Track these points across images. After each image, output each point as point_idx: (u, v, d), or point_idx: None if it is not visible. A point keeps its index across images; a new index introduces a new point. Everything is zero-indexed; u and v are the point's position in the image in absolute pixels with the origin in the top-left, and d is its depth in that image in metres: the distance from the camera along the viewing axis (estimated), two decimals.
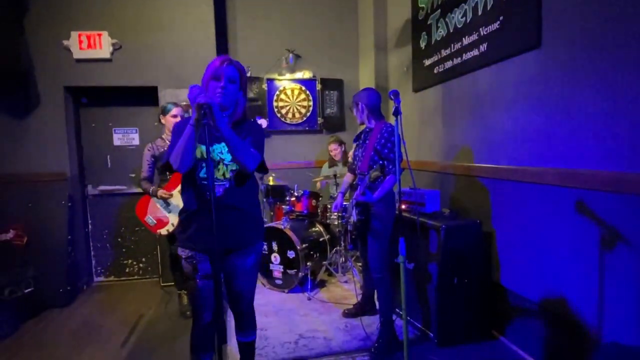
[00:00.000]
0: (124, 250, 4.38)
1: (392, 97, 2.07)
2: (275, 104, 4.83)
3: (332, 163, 4.42)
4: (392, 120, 2.48)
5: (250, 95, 4.74)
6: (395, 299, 2.84)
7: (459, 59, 3.08)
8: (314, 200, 3.99)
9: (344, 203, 3.06)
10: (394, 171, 2.55)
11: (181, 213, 1.92)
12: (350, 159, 3.07)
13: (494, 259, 2.78)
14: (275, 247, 3.73)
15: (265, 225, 3.81)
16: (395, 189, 2.43)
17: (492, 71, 2.73)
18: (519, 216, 2.53)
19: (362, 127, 2.89)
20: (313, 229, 3.96)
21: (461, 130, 3.16)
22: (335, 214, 3.86)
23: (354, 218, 2.75)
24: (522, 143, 2.48)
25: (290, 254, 3.62)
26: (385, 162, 2.58)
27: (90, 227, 4.31)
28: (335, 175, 3.92)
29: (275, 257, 3.74)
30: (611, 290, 1.93)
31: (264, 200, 4.31)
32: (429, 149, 3.67)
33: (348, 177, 3.04)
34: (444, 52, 3.29)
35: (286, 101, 4.86)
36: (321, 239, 3.90)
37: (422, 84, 3.76)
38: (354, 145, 2.95)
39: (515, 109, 2.52)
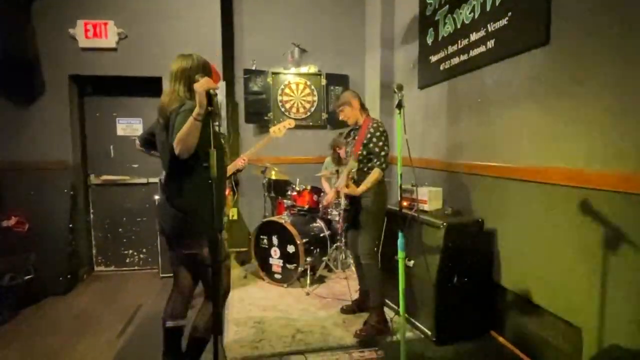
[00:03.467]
0: (124, 240, 4.38)
1: (395, 90, 2.05)
2: (279, 98, 4.80)
3: (339, 162, 4.31)
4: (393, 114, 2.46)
5: (255, 88, 4.72)
6: (389, 289, 2.89)
7: (466, 55, 3.03)
8: (315, 196, 3.97)
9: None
10: (379, 164, 2.67)
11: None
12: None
13: (495, 258, 2.75)
14: (275, 241, 3.71)
15: (265, 220, 3.85)
16: (393, 184, 2.40)
17: (499, 68, 2.69)
18: (522, 215, 2.49)
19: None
20: (314, 224, 3.93)
21: (466, 127, 3.12)
22: (336, 212, 3.88)
23: (342, 205, 2.92)
24: (528, 141, 2.44)
25: (290, 249, 3.60)
26: (370, 156, 2.72)
27: (91, 216, 4.32)
28: (337, 171, 3.88)
29: (275, 251, 3.72)
30: (613, 292, 1.89)
31: (265, 194, 4.28)
32: (433, 146, 3.63)
33: None
34: (451, 49, 3.25)
35: (291, 95, 4.83)
36: (322, 235, 3.87)
37: (428, 81, 3.71)
38: (345, 142, 3.04)
39: (522, 107, 2.48)
